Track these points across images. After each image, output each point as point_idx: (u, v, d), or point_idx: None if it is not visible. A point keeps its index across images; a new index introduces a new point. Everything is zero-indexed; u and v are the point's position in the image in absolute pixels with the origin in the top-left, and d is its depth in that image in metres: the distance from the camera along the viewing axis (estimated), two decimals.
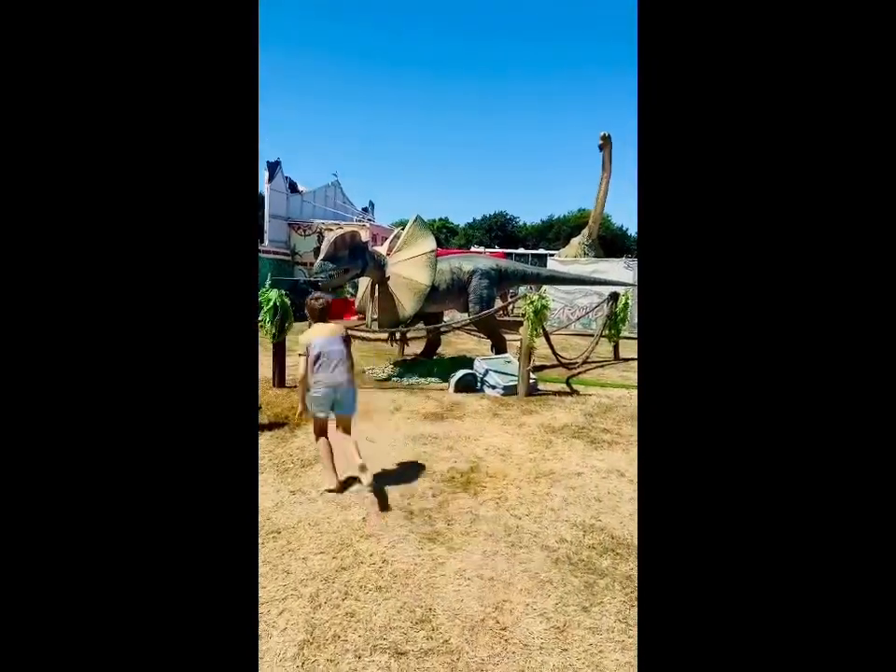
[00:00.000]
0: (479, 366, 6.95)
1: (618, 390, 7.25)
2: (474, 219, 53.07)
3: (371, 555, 2.79)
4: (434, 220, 51.55)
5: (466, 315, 7.69)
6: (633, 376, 8.28)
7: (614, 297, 9.59)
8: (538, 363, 7.62)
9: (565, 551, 2.91)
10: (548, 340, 7.34)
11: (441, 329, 8.21)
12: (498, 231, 50.12)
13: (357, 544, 2.90)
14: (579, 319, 12.32)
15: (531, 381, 6.67)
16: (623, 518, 3.33)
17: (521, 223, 52.91)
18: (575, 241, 16.09)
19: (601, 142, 15.14)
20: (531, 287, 11.18)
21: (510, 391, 6.54)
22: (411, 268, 7.17)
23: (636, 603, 2.39)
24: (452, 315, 10.72)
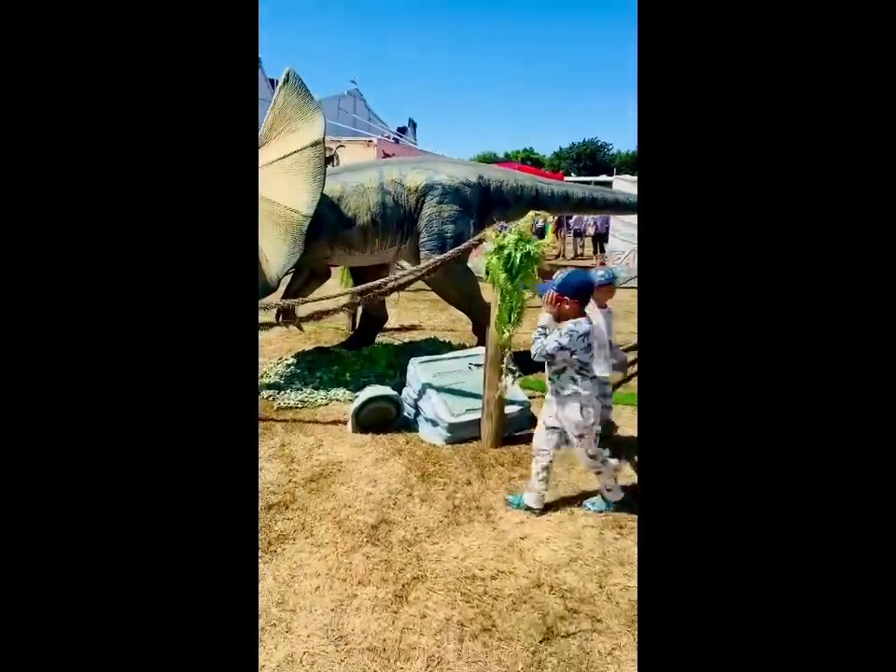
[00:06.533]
0: (412, 379, 3.62)
1: None
2: (560, 148, 48.18)
3: None
4: (517, 151, 46.58)
5: (414, 265, 4.19)
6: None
7: None
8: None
9: None
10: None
11: (377, 294, 3.82)
12: (588, 159, 45.28)
13: None
14: None
15: (513, 408, 3.44)
16: None
17: (614, 151, 47.39)
18: None
19: None
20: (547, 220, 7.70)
21: (459, 433, 3.32)
22: (280, 178, 3.78)
23: None
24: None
